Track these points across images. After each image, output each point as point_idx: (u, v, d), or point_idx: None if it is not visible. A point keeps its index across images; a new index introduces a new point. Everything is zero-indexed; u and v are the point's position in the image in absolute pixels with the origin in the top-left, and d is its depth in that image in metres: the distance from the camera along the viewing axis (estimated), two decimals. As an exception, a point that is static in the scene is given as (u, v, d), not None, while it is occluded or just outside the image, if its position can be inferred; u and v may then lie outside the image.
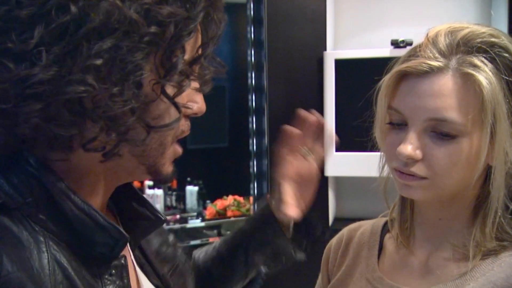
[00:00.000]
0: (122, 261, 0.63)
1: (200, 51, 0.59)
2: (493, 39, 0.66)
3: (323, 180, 1.82)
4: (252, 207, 1.88)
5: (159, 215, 0.67)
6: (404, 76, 0.69)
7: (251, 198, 1.87)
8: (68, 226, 0.57)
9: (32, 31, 0.49)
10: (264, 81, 1.76)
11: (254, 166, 1.86)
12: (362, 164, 1.77)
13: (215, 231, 1.84)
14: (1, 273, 0.50)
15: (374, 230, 0.86)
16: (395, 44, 1.73)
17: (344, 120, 1.76)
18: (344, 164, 1.77)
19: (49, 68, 0.49)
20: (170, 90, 0.56)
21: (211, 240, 1.78)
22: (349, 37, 1.91)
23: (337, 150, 1.77)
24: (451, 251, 0.72)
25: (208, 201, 2.58)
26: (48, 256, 0.55)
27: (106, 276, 0.61)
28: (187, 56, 0.57)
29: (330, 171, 1.79)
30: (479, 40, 0.66)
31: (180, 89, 0.57)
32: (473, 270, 0.69)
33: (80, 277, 0.57)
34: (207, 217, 2.20)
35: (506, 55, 0.66)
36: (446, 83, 0.65)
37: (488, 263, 0.69)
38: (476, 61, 0.65)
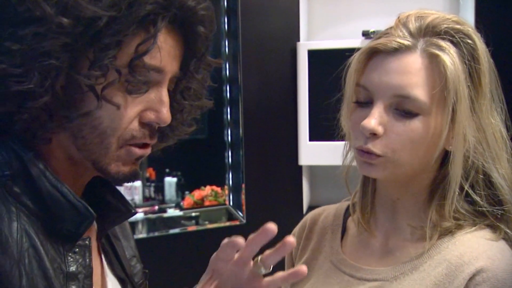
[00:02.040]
0: (87, 242, 0.66)
1: (137, 54, 0.60)
2: (458, 26, 0.70)
3: (297, 169, 1.85)
4: (227, 197, 1.90)
5: (130, 207, 0.71)
6: (374, 53, 0.72)
7: (226, 188, 1.89)
8: (40, 201, 0.61)
9: None
10: (238, 72, 1.77)
11: (229, 156, 1.87)
12: (335, 153, 1.80)
13: (193, 221, 1.85)
14: None
15: (338, 214, 0.88)
16: (366, 35, 1.76)
17: (317, 110, 1.79)
18: (317, 154, 1.80)
19: None
20: (91, 83, 0.59)
21: (189, 229, 1.79)
22: (321, 28, 1.93)
23: (311, 139, 1.80)
24: (409, 232, 0.75)
25: (187, 192, 2.59)
26: (17, 225, 0.59)
27: (70, 254, 0.64)
28: (124, 56, 0.60)
29: (303, 160, 1.82)
30: (445, 25, 0.70)
31: (104, 84, 0.59)
32: (430, 249, 0.72)
33: (46, 250, 0.61)
34: (184, 207, 2.21)
35: (469, 41, 0.70)
36: (413, 61, 0.68)
37: (444, 242, 0.72)
38: (442, 43, 0.68)
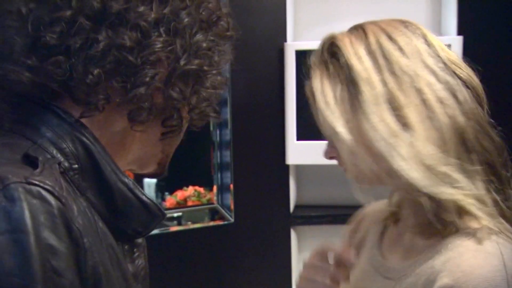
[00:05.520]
0: (144, 242, 0.68)
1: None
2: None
3: (284, 168, 1.86)
4: (216, 197, 1.90)
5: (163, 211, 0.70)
6: None
7: (215, 188, 1.89)
8: (107, 198, 0.60)
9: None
10: (226, 72, 1.77)
11: (217, 156, 1.88)
12: (321, 153, 1.82)
13: (175, 222, 1.85)
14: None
15: (382, 209, 0.87)
16: (353, 35, 1.78)
17: (305, 110, 1.80)
18: (304, 153, 1.82)
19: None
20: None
21: (171, 229, 1.78)
22: (308, 29, 1.95)
23: (298, 139, 1.82)
24: (425, 228, 0.72)
25: (166, 193, 2.57)
26: (89, 212, 0.57)
27: (133, 254, 0.66)
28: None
29: (291, 160, 1.84)
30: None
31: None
32: (434, 249, 0.69)
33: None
34: (167, 207, 2.20)
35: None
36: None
37: (447, 241, 0.68)
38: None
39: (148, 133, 0.64)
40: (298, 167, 1.97)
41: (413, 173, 0.65)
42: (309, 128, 1.96)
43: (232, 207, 1.83)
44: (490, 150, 0.69)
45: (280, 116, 1.83)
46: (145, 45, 0.59)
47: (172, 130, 0.65)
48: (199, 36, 0.63)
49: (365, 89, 0.68)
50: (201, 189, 1.90)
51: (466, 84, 0.70)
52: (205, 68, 0.64)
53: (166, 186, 2.92)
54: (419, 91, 0.67)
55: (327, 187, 2.01)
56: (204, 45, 0.63)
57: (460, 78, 0.70)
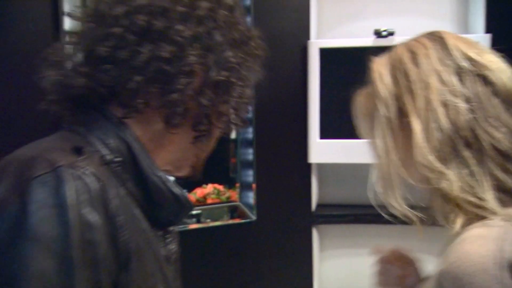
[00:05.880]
0: (176, 229, 0.78)
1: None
2: None
3: (306, 167, 1.86)
4: (238, 196, 1.91)
5: (191, 203, 0.78)
6: None
7: (238, 185, 1.90)
8: (143, 189, 0.69)
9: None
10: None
11: (240, 154, 1.89)
12: (344, 151, 1.81)
13: (194, 219, 1.86)
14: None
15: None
16: (378, 34, 1.77)
17: (328, 108, 1.80)
18: (327, 151, 1.81)
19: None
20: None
21: (190, 227, 1.79)
22: (332, 27, 1.94)
23: (321, 137, 1.81)
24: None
25: (185, 190, 2.58)
26: (127, 199, 0.66)
27: (166, 239, 0.75)
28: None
29: (313, 158, 1.83)
30: None
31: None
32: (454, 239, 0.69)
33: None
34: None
35: None
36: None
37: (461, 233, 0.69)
38: None
39: (181, 136, 0.73)
40: (321, 166, 1.96)
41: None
42: (332, 126, 1.95)
43: (255, 205, 1.83)
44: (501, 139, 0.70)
45: (303, 115, 1.82)
46: (181, 58, 0.68)
47: (202, 135, 0.73)
48: (229, 53, 0.72)
49: (380, 107, 0.75)
50: (221, 187, 1.91)
51: (496, 88, 0.72)
52: (233, 80, 0.72)
53: (185, 183, 2.94)
54: (427, 99, 0.72)
55: (349, 186, 1.99)
56: (233, 60, 0.72)
57: (486, 80, 0.72)
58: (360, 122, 0.79)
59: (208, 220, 1.84)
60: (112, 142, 0.67)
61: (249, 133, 1.84)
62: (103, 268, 0.59)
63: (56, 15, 1.45)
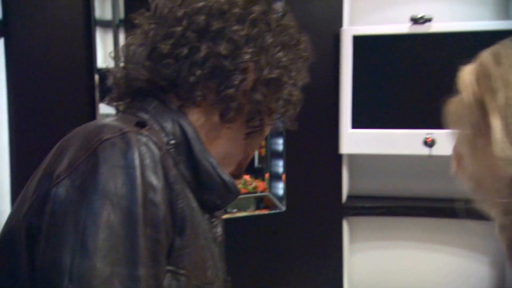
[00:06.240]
0: (221, 213, 0.84)
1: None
2: None
3: (337, 158, 1.82)
4: (267, 186, 1.88)
5: (238, 189, 0.82)
6: None
7: (267, 176, 1.87)
8: (194, 173, 0.74)
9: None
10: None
11: (269, 144, 1.86)
12: (377, 142, 1.76)
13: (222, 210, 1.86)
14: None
15: None
16: (414, 20, 1.70)
17: (361, 97, 1.75)
18: (359, 142, 1.77)
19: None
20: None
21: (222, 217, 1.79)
22: (366, 13, 1.88)
23: (353, 127, 1.77)
24: None
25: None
26: (180, 179, 0.71)
27: (213, 222, 0.80)
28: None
29: (344, 149, 1.79)
30: None
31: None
32: None
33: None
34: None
35: None
36: None
37: None
38: None
39: (234, 131, 0.78)
40: (352, 156, 1.92)
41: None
42: (365, 116, 1.90)
43: (284, 195, 1.80)
44: None
45: (334, 104, 1.78)
46: (237, 55, 0.74)
47: (254, 131, 0.78)
48: (280, 53, 0.78)
49: (465, 112, 0.76)
50: (247, 177, 1.89)
51: None
52: (284, 79, 0.78)
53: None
54: (508, 96, 0.73)
55: (381, 178, 1.95)
56: (284, 59, 0.78)
57: None
58: (451, 130, 0.80)
59: (235, 210, 1.83)
60: (169, 125, 0.73)
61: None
62: (162, 228, 0.63)
63: (88, 3, 1.45)
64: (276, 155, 1.84)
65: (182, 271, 0.68)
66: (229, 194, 0.77)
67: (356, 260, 1.99)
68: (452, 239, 1.94)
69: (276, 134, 1.82)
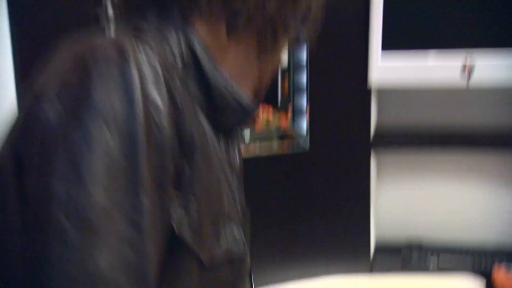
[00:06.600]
0: (237, 134, 0.78)
1: None
2: None
3: (366, 92, 1.71)
4: (290, 123, 1.80)
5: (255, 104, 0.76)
6: None
7: (290, 113, 1.78)
8: (206, 92, 0.68)
9: None
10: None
11: (292, 80, 1.76)
12: (408, 75, 1.64)
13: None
14: None
15: None
16: None
17: (393, 21, 1.61)
18: (389, 74, 1.65)
19: None
20: None
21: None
22: None
23: (384, 48, 1.62)
24: None
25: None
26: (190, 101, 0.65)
27: (228, 145, 0.74)
28: None
29: (373, 82, 1.68)
30: None
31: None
32: None
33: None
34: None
35: None
36: None
37: None
38: None
39: (245, 49, 0.70)
40: (381, 90, 1.81)
41: None
42: (397, 40, 1.75)
43: (308, 132, 1.72)
44: None
45: (363, 33, 1.64)
46: None
47: (267, 49, 0.71)
48: None
49: None
50: (269, 109, 1.80)
51: None
52: None
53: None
54: None
55: (411, 112, 1.86)
56: None
57: None
58: None
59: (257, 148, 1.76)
60: (173, 37, 0.66)
61: (302, 53, 1.70)
62: (168, 153, 0.57)
63: None
64: (299, 90, 1.74)
65: (193, 205, 0.60)
66: (244, 111, 0.71)
67: (384, 198, 1.94)
68: (485, 175, 1.86)
69: (299, 67, 1.72)
